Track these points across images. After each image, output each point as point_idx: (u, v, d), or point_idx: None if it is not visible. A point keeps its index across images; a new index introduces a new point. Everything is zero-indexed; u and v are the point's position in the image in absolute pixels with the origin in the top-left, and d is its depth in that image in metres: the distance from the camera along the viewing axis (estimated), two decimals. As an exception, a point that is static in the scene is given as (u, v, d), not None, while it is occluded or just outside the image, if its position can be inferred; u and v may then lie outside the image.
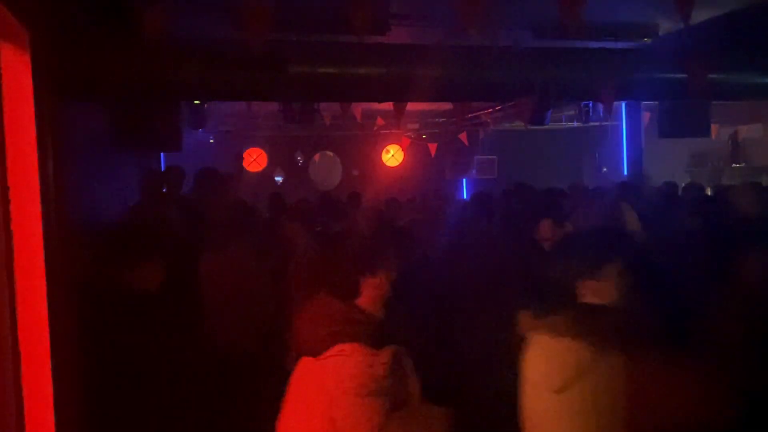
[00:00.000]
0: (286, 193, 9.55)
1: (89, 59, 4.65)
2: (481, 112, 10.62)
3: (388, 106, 6.52)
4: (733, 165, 11.72)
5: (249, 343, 4.55)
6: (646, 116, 9.36)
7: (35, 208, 2.06)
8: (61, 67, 2.39)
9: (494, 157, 13.18)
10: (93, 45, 4.71)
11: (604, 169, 12.46)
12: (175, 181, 6.51)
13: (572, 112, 10.78)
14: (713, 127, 8.73)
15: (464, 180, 13.87)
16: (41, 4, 2.23)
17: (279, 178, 12.87)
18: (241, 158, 7.81)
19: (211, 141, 12.14)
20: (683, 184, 7.49)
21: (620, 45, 6.63)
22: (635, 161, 9.63)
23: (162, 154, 8.72)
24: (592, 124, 10.63)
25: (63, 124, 2.36)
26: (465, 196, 13.13)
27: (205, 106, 7.89)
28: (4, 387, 1.99)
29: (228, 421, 4.22)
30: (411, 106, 6.58)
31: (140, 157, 7.78)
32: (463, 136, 11.99)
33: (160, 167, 8.29)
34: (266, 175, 12.42)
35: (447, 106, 9.85)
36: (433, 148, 13.03)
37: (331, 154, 13.13)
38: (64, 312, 2.19)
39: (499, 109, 10.06)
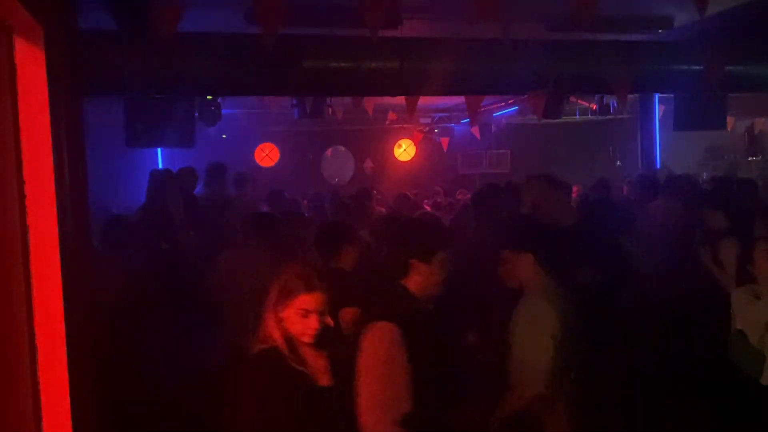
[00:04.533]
0: (297, 189, 9.59)
1: (103, 55, 4.67)
2: (494, 106, 10.57)
3: (400, 100, 6.50)
4: (750, 158, 11.60)
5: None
6: (660, 109, 9.28)
7: (50, 204, 2.06)
8: (75, 63, 2.39)
9: (507, 151, 13.10)
10: (107, 41, 4.72)
11: (619, 163, 12.37)
12: (189, 183, 6.52)
13: (586, 106, 10.70)
14: (729, 120, 8.64)
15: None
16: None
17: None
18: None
19: (224, 137, 12.16)
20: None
21: (635, 37, 6.57)
22: (650, 155, 9.55)
23: (161, 150, 8.68)
24: (606, 117, 10.53)
25: (77, 120, 2.37)
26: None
27: (219, 101, 7.90)
28: (21, 381, 2.00)
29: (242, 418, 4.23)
30: (423, 101, 6.55)
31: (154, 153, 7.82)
32: (475, 130, 11.93)
33: (167, 167, 8.28)
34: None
35: (460, 99, 9.80)
36: (445, 142, 12.99)
37: (342, 148, 13.12)
38: (80, 306, 2.20)
39: (512, 103, 10.01)
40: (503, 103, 10.57)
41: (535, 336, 2.89)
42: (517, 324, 2.99)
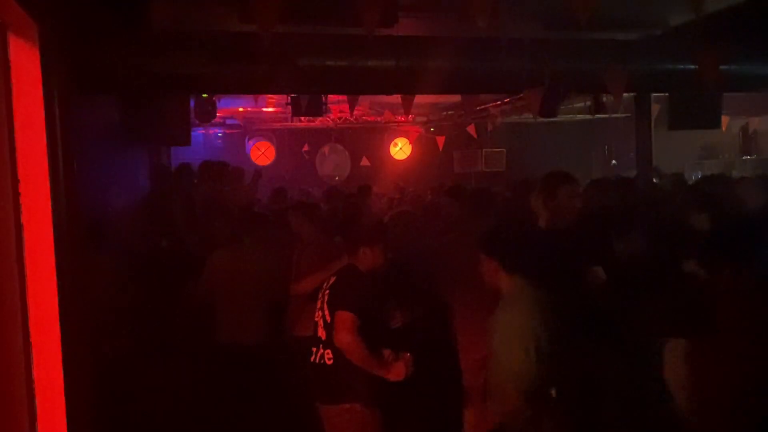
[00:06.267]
0: (295, 188, 9.59)
1: (98, 53, 4.65)
2: (490, 105, 10.56)
3: (396, 98, 6.50)
4: (744, 157, 11.63)
5: (257, 335, 4.57)
6: (656, 108, 9.29)
7: (45, 201, 2.06)
8: (69, 61, 2.38)
9: (503, 149, 13.10)
10: (102, 38, 4.70)
11: (614, 162, 12.40)
12: (186, 180, 6.54)
13: (582, 104, 10.71)
14: (724, 119, 8.66)
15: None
16: (50, -4, 2.22)
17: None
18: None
19: (220, 135, 12.16)
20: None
21: (631, 36, 6.57)
22: (645, 154, 9.55)
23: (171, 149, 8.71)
24: (601, 116, 10.55)
25: (72, 117, 2.36)
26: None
27: (214, 99, 7.89)
28: (16, 380, 2.00)
29: (236, 408, 4.24)
30: (419, 99, 6.55)
31: (150, 151, 7.80)
32: (471, 129, 11.92)
33: (170, 163, 8.32)
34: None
35: (456, 98, 9.80)
36: (440, 141, 12.98)
37: (339, 147, 13.11)
38: (75, 304, 2.20)
39: (508, 101, 10.00)
40: (499, 102, 10.55)
41: (508, 348, 2.80)
42: (491, 334, 2.92)
